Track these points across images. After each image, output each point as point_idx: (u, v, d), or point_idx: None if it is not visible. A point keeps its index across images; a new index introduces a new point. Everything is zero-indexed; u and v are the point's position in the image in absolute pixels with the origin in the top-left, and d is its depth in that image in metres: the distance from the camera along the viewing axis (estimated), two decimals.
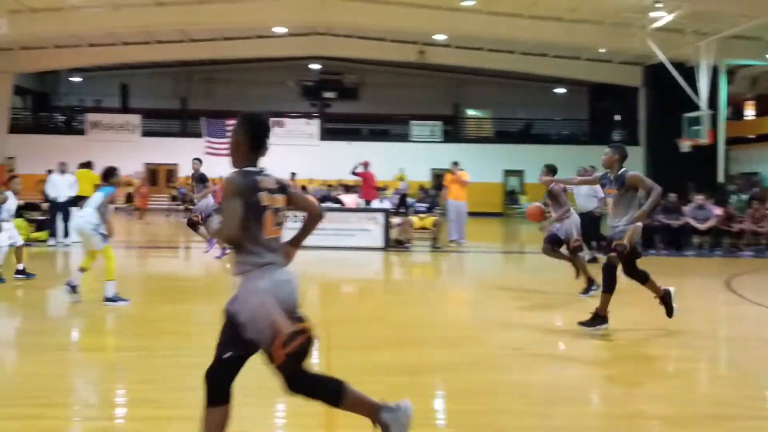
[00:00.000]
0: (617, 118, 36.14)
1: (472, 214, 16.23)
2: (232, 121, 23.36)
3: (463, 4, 22.26)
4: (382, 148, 28.39)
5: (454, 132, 35.49)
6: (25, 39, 27.84)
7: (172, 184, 29.59)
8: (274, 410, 4.92)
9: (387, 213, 15.09)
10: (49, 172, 15.61)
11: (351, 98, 37.00)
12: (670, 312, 7.15)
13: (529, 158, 33.03)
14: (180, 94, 37.00)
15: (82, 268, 8.47)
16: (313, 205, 3.90)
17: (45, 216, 15.83)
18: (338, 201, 17.83)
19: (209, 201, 13.22)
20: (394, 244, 15.09)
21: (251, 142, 3.55)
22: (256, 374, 5.68)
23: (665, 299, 7.14)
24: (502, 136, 35.37)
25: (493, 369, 6.01)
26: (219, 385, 3.48)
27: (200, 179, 13.47)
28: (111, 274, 8.19)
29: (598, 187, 12.66)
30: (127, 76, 36.50)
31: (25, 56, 30.85)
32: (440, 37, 29.27)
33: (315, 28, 30.13)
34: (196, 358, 6.04)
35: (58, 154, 20.14)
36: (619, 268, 7.05)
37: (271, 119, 23.91)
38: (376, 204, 16.12)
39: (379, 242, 14.79)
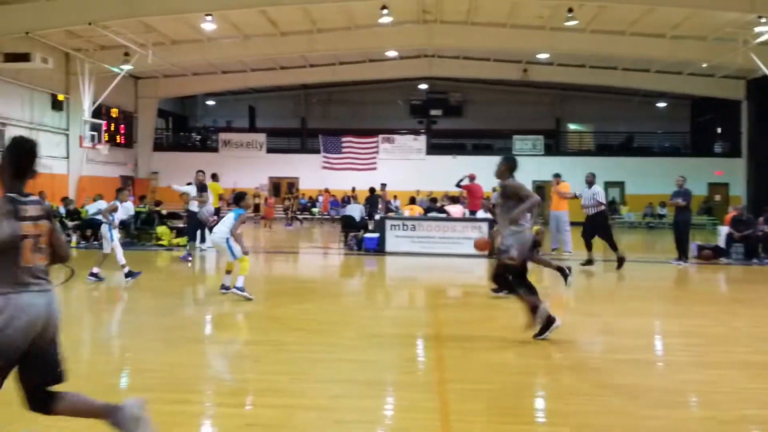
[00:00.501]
0: (719, 130, 34.34)
1: (574, 223, 15.81)
2: (347, 138, 24.09)
3: (567, 24, 21.79)
4: (485, 162, 27.93)
5: (555, 145, 34.80)
6: (167, 68, 29.56)
7: (287, 195, 30.52)
8: (388, 403, 5.00)
9: (491, 222, 14.96)
10: (188, 184, 16.46)
11: (456, 115, 36.98)
12: (541, 332, 6.67)
13: (630, 170, 31.97)
14: (300, 114, 38.16)
15: (228, 270, 9.36)
16: (62, 245, 3.57)
17: (184, 224, 16.72)
18: (443, 211, 17.85)
19: (210, 208, 13.71)
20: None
21: (15, 167, 3.33)
22: (374, 368, 5.85)
23: (534, 311, 6.63)
24: (603, 149, 34.31)
25: (596, 372, 5.87)
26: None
27: (201, 188, 14.00)
28: (244, 271, 8.89)
29: (599, 191, 13.62)
30: (254, 99, 38.04)
31: (168, 83, 32.80)
32: (543, 56, 28.82)
33: (423, 51, 30.39)
34: (321, 353, 6.29)
35: (193, 170, 21.12)
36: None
37: (382, 136, 24.36)
38: (480, 214, 16.00)
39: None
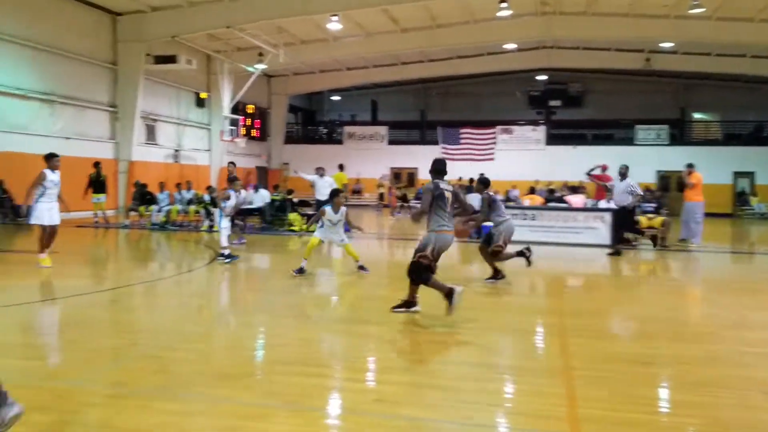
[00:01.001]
0: None
1: (709, 215, 14.87)
2: (466, 130, 23.88)
3: (692, 12, 20.44)
4: (606, 152, 26.94)
5: (680, 135, 32.82)
6: (297, 66, 30.54)
7: (398, 185, 30.72)
8: (512, 387, 4.91)
9: (614, 212, 14.36)
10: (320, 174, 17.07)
11: (576, 105, 35.75)
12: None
13: (760, 160, 29.71)
14: (420, 107, 38.30)
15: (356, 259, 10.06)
16: None
17: (314, 211, 17.26)
18: (562, 201, 17.31)
19: (242, 196, 13.83)
20: (621, 242, 14.32)
21: None
22: (497, 353, 5.78)
23: (449, 296, 6.58)
24: (731, 139, 32.00)
25: (731, 365, 5.49)
26: None
27: (232, 180, 14.17)
28: (356, 256, 9.97)
29: (634, 183, 13.14)
30: (376, 94, 38.56)
31: (297, 80, 33.90)
32: (667, 45, 27.26)
33: (542, 42, 29.57)
34: (444, 335, 6.30)
35: (321, 161, 21.79)
36: None
37: (500, 127, 24.06)
38: (603, 204, 15.40)
39: (606, 240, 14.12)
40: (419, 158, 33.37)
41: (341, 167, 20.08)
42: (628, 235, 14.37)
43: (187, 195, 18.46)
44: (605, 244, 13.93)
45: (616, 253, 13.21)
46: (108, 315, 7.36)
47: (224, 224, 11.29)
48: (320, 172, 16.93)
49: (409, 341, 6.10)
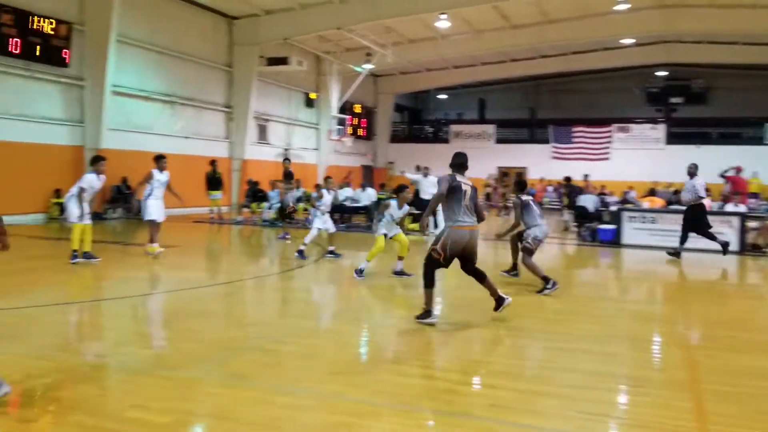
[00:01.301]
0: None
1: None
2: (579, 128, 23.15)
3: None
4: (732, 152, 25.31)
5: None
6: (403, 65, 30.71)
7: (500, 183, 30.03)
8: (636, 399, 4.66)
9: (743, 217, 13.43)
10: (417, 170, 16.99)
11: (699, 102, 33.76)
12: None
13: None
14: (529, 105, 37.51)
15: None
16: None
17: (418, 211, 17.23)
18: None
19: (294, 193, 13.67)
20: (750, 248, 13.39)
21: None
22: (617, 362, 5.53)
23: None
24: None
25: None
26: None
27: (288, 176, 13.94)
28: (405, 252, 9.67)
29: (698, 183, 12.07)
30: (483, 92, 38.10)
31: (403, 80, 34.12)
32: None
33: (662, 36, 28.12)
34: (559, 342, 6.09)
35: (426, 160, 21.76)
36: None
37: (616, 125, 23.06)
38: (730, 207, 14.45)
39: (734, 246, 13.22)
40: (528, 157, 32.76)
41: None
42: (758, 241, 13.43)
43: (297, 193, 18.98)
44: (733, 251, 13.05)
45: (675, 255, 12.56)
46: (223, 307, 7.67)
47: (318, 224, 11.46)
48: (425, 171, 16.90)
49: (519, 345, 5.94)
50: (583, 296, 9.03)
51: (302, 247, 11.28)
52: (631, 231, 14.49)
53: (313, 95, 28.83)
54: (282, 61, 23.90)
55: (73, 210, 9.90)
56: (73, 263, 9.77)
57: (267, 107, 25.72)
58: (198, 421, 4.07)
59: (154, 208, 10.99)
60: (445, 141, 35.20)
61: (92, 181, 10.02)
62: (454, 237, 6.26)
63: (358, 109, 32.52)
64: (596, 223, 15.63)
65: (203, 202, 19.01)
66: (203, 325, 6.49)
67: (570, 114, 34.79)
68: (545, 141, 32.64)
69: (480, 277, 6.56)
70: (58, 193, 16.82)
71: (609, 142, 31.32)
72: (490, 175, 32.05)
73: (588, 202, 16.53)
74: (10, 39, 15.72)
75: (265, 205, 18.63)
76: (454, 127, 35.55)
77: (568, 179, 19.95)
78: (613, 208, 15.99)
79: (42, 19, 16.42)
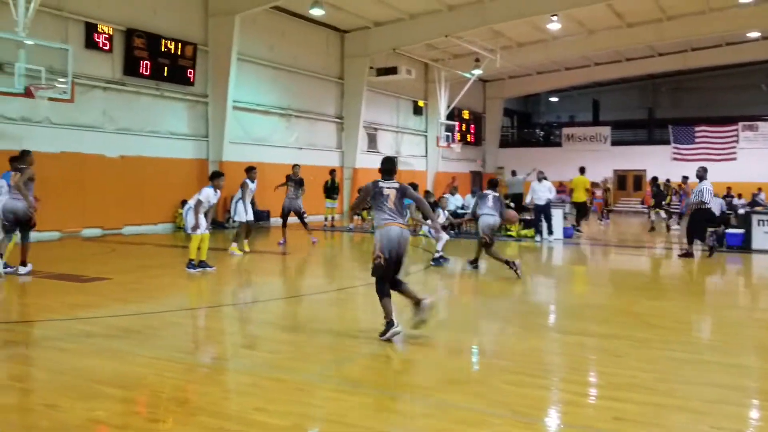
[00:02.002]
0: None
1: None
2: (701, 128, 21.99)
3: None
4: None
5: None
6: (512, 69, 30.23)
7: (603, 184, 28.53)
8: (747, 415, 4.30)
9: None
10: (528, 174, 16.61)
11: None
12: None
13: None
14: (646, 105, 35.88)
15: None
16: None
17: (531, 216, 16.88)
18: None
19: (298, 203, 14.37)
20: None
21: None
22: (752, 375, 5.14)
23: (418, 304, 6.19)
24: None
25: None
26: None
27: (299, 183, 14.37)
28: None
29: (704, 187, 12.15)
30: (597, 93, 36.82)
31: (512, 84, 33.59)
32: None
33: None
34: (685, 353, 5.76)
35: (537, 164, 21.27)
36: None
37: (743, 123, 21.70)
38: None
39: None
40: (647, 159, 31.26)
41: (582, 170, 19.27)
42: None
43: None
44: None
45: (687, 255, 12.32)
46: (339, 313, 7.82)
47: (443, 233, 11.44)
48: (539, 175, 16.48)
49: (641, 356, 5.63)
50: (706, 304, 8.50)
51: (437, 254, 11.42)
52: (762, 235, 13.50)
53: (421, 103, 28.96)
54: (391, 71, 24.20)
55: (190, 221, 10.37)
56: (190, 271, 10.14)
57: (376, 116, 26.09)
58: (315, 426, 4.14)
59: (243, 212, 12.56)
60: (557, 144, 34.33)
61: (209, 195, 10.41)
62: (385, 234, 6.23)
63: (466, 115, 32.32)
64: (723, 227, 14.67)
65: (320, 210, 19.55)
66: (321, 330, 6.63)
67: (691, 113, 32.96)
68: (665, 142, 31.08)
69: (398, 285, 6.32)
70: (184, 204, 17.81)
71: (735, 142, 29.39)
72: (605, 179, 30.85)
73: (714, 205, 15.51)
74: (142, 61, 16.88)
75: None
76: (566, 130, 34.58)
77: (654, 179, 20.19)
78: (741, 210, 14.96)
79: (170, 41, 17.53)
